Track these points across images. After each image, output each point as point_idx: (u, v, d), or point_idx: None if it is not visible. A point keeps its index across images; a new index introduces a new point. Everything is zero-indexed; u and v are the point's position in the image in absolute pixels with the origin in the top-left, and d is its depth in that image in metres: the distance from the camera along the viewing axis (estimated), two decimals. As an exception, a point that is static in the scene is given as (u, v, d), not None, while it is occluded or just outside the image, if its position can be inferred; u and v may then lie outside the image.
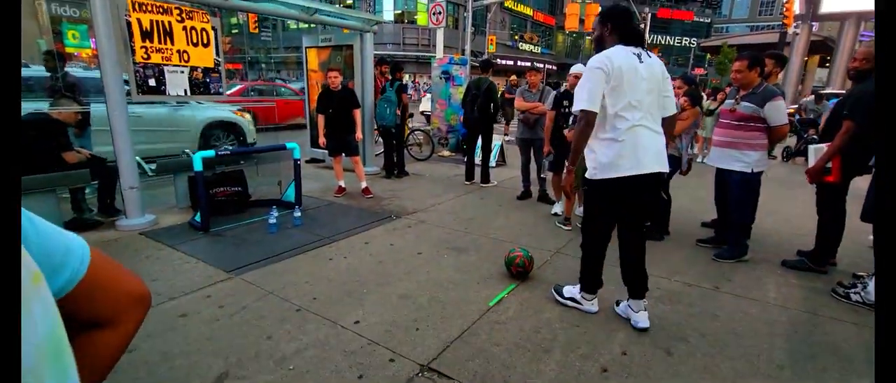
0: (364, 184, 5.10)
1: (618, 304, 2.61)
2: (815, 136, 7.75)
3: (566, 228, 4.10)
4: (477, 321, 2.47)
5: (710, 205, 4.28)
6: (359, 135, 5.06)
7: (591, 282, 2.57)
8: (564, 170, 2.43)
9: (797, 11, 17.86)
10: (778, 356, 2.21)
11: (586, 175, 2.39)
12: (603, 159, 2.27)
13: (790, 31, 17.72)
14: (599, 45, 2.36)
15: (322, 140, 4.98)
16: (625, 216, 2.44)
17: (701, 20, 53.07)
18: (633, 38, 2.30)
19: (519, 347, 2.23)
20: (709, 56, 36.59)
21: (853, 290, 2.78)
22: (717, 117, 3.71)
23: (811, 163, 3.12)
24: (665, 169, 2.33)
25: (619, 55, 2.22)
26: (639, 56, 2.25)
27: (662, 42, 49.37)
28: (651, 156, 2.26)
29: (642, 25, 26.77)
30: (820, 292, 2.93)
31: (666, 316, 2.56)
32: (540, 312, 2.57)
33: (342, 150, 5.03)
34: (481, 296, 2.75)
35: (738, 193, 3.37)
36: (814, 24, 19.41)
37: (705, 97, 8.13)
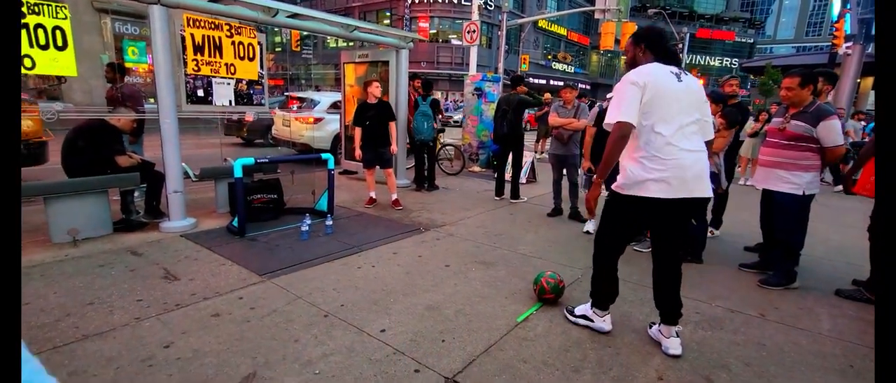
0: (394, 196, 5.15)
1: (651, 326, 2.49)
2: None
3: (647, 250, 3.91)
4: (504, 336, 2.41)
5: (753, 229, 4.07)
6: (394, 147, 5.16)
7: (602, 298, 2.45)
8: (592, 184, 2.32)
9: (848, 31, 17.02)
10: (832, 392, 2.04)
11: (612, 186, 2.29)
12: (633, 176, 2.16)
13: (840, 51, 16.87)
14: (632, 66, 2.27)
15: (358, 152, 5.08)
16: (658, 239, 2.32)
17: (743, 40, 51.49)
18: (668, 57, 2.23)
19: (547, 365, 2.16)
20: (751, 77, 35.32)
21: (919, 325, 2.55)
22: (763, 137, 3.55)
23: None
24: (707, 194, 2.18)
25: (656, 71, 2.15)
26: (677, 75, 2.17)
27: (702, 62, 48.13)
28: (690, 180, 2.11)
29: (680, 46, 26.25)
30: (880, 326, 2.69)
31: (706, 342, 2.42)
32: (569, 330, 2.49)
33: (377, 163, 5.11)
34: (509, 312, 2.69)
35: (786, 216, 3.18)
36: (868, 44, 18.41)
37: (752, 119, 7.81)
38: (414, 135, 5.98)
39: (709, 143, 2.31)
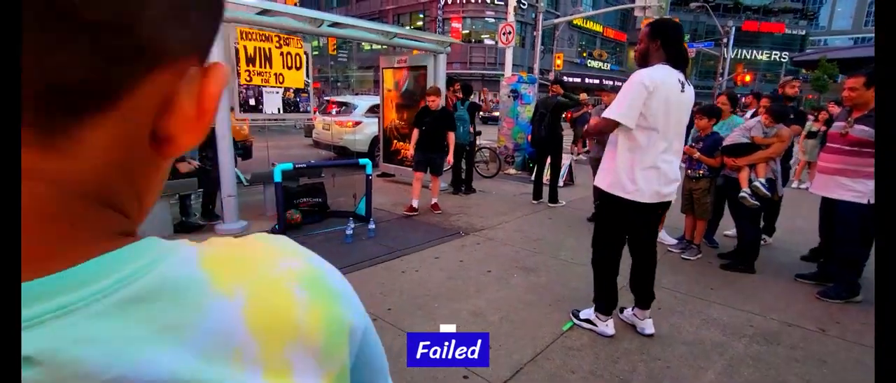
0: (434, 200, 5.20)
1: (622, 311, 2.64)
2: None
3: (694, 258, 3.83)
4: (550, 345, 2.42)
5: (809, 237, 3.87)
6: (451, 158, 5.15)
7: (605, 302, 2.50)
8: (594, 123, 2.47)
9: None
10: (905, 415, 1.93)
11: (602, 186, 2.36)
12: (624, 177, 2.26)
13: (907, 42, 15.60)
14: (643, 61, 2.29)
15: (410, 152, 5.10)
16: (637, 235, 2.49)
17: (794, 32, 48.47)
18: (680, 60, 2.25)
19: (595, 376, 2.15)
20: (803, 71, 33.29)
21: None
22: (822, 139, 3.37)
23: None
24: (674, 197, 2.39)
25: (667, 78, 2.19)
26: (682, 84, 2.23)
27: (748, 56, 45.72)
28: (671, 187, 2.31)
29: (725, 40, 25.08)
30: (957, 345, 2.51)
31: (762, 358, 2.34)
32: (617, 341, 2.47)
33: (427, 166, 5.08)
34: (553, 320, 2.69)
35: (848, 227, 3.01)
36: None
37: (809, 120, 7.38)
38: None
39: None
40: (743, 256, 3.57)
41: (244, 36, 4.05)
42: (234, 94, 4.18)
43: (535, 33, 12.53)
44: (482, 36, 30.81)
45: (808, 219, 3.73)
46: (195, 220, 4.35)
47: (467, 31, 30.82)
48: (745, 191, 3.41)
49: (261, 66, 4.23)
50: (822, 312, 2.89)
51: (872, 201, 2.90)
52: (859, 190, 2.92)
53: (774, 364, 2.29)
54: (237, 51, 4.02)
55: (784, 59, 43.82)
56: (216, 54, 3.82)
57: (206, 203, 4.47)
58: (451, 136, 5.09)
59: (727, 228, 4.39)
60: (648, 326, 2.51)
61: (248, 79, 4.16)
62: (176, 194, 4.25)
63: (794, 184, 7.33)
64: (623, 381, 2.12)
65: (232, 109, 4.21)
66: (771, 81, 42.09)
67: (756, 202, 3.37)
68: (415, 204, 5.08)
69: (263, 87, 4.30)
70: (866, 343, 2.52)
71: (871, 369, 2.27)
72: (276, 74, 4.36)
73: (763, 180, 3.37)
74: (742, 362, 2.28)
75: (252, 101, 4.24)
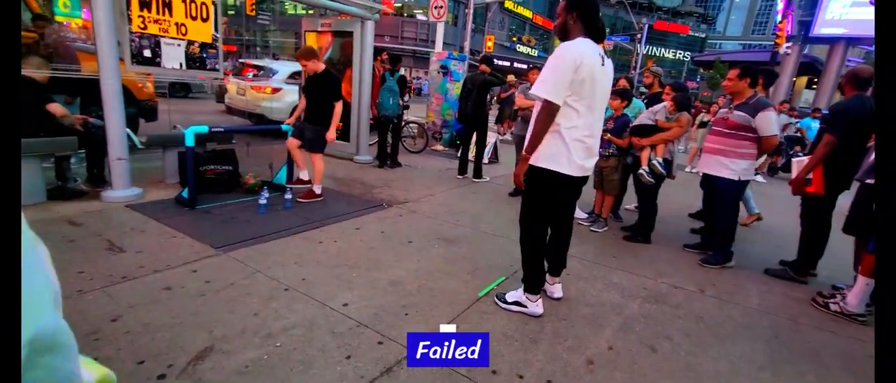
0: (317, 189, 4.26)
1: None
2: (799, 152, 7.97)
3: (602, 230, 4.10)
4: (465, 310, 2.47)
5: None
6: (331, 134, 4.13)
7: (534, 280, 2.45)
8: (520, 159, 2.32)
9: (789, 32, 18.23)
10: (758, 359, 2.27)
11: (534, 162, 2.27)
12: (550, 150, 2.22)
13: (781, 51, 18.10)
14: (563, 35, 2.27)
15: (291, 119, 4.43)
16: (561, 209, 2.54)
17: (696, 35, 53.95)
18: (596, 33, 2.24)
19: (507, 337, 2.24)
20: (701, 70, 37.22)
21: (832, 300, 2.86)
22: (711, 127, 3.78)
23: (794, 175, 3.21)
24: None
25: (589, 51, 2.16)
26: (602, 58, 2.23)
27: (657, 53, 50.07)
28: (592, 161, 2.37)
29: (639, 36, 27.09)
30: (800, 301, 3.00)
31: (651, 315, 2.60)
32: (528, 305, 2.59)
33: (299, 138, 4.25)
34: (471, 287, 2.76)
35: (724, 199, 3.44)
36: (805, 45, 19.87)
37: (696, 110, 8.26)
38: (378, 110, 5.85)
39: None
40: (642, 229, 3.93)
41: (136, -25, 3.52)
42: (125, 43, 3.64)
43: (466, 11, 12.50)
44: (415, 11, 30.20)
45: (698, 198, 4.20)
46: (75, 186, 3.78)
47: (400, 4, 30.01)
48: (643, 169, 3.73)
49: (158, 13, 3.72)
50: (703, 276, 3.29)
51: (742, 179, 3.33)
52: (733, 168, 3.33)
53: (661, 320, 2.56)
54: (127, -9, 3.49)
55: (686, 58, 48.63)
56: (99, -8, 3.28)
57: (92, 166, 3.90)
58: (338, 106, 4.12)
59: (629, 203, 4.81)
60: (557, 290, 2.67)
61: (141, 26, 3.64)
62: (51, 155, 3.66)
63: (687, 169, 8.21)
64: (532, 341, 2.23)
65: (122, 60, 3.67)
66: (675, 77, 46.60)
67: (652, 179, 3.72)
68: (303, 176, 4.47)
69: (162, 37, 3.80)
70: (735, 301, 2.91)
71: (736, 323, 2.63)
72: (177, 24, 3.86)
73: (660, 160, 3.71)
74: (635, 320, 2.52)
75: (147, 53, 3.73)
